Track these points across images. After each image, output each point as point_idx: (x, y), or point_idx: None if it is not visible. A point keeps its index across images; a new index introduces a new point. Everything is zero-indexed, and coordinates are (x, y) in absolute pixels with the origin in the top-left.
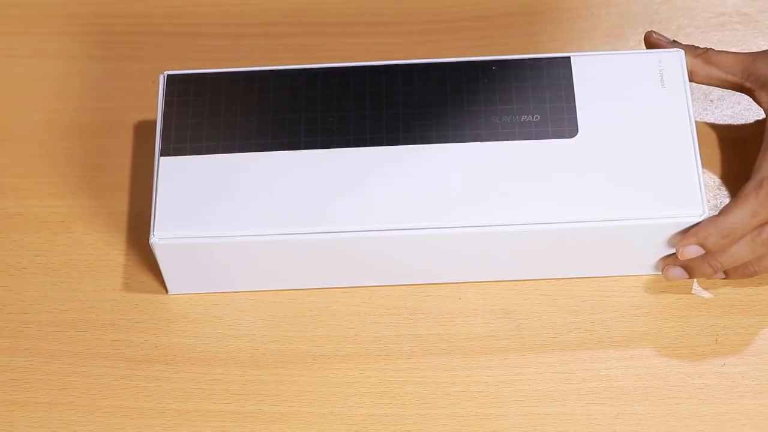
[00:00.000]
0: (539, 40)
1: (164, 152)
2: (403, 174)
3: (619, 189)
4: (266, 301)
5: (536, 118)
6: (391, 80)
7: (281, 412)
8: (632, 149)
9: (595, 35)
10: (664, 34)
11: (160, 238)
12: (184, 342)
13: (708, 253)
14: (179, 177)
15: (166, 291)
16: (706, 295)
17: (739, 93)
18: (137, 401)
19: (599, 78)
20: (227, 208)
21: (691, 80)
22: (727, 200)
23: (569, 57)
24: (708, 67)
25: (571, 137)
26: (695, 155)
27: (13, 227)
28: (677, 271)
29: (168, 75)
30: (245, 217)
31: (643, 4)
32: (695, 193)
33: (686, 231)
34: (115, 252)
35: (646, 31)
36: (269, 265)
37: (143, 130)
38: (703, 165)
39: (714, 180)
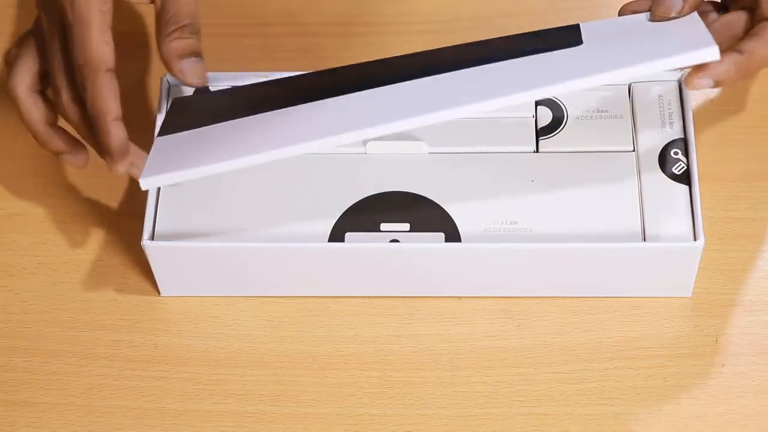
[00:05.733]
0: None
1: None
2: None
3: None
4: (266, 301)
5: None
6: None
7: (281, 412)
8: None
9: None
10: None
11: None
12: (183, 342)
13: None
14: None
15: (159, 294)
16: (706, 295)
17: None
18: (137, 401)
19: None
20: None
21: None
22: (726, 199)
23: None
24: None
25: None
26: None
27: (13, 227)
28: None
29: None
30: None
31: None
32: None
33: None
34: (114, 252)
35: None
36: (265, 270)
37: (143, 131)
38: (704, 165)
39: (714, 181)
